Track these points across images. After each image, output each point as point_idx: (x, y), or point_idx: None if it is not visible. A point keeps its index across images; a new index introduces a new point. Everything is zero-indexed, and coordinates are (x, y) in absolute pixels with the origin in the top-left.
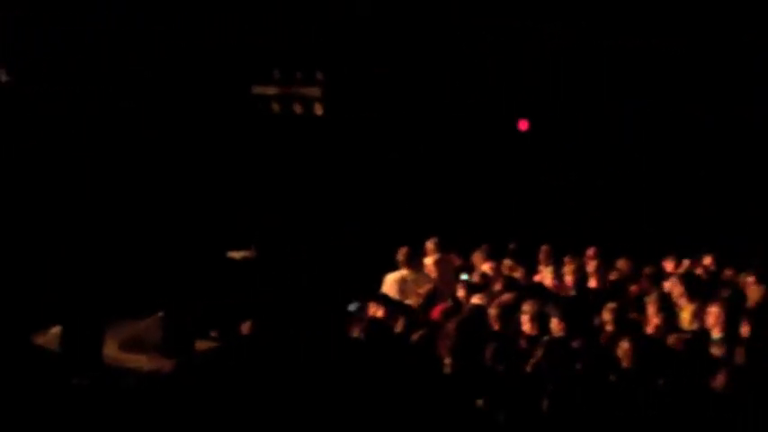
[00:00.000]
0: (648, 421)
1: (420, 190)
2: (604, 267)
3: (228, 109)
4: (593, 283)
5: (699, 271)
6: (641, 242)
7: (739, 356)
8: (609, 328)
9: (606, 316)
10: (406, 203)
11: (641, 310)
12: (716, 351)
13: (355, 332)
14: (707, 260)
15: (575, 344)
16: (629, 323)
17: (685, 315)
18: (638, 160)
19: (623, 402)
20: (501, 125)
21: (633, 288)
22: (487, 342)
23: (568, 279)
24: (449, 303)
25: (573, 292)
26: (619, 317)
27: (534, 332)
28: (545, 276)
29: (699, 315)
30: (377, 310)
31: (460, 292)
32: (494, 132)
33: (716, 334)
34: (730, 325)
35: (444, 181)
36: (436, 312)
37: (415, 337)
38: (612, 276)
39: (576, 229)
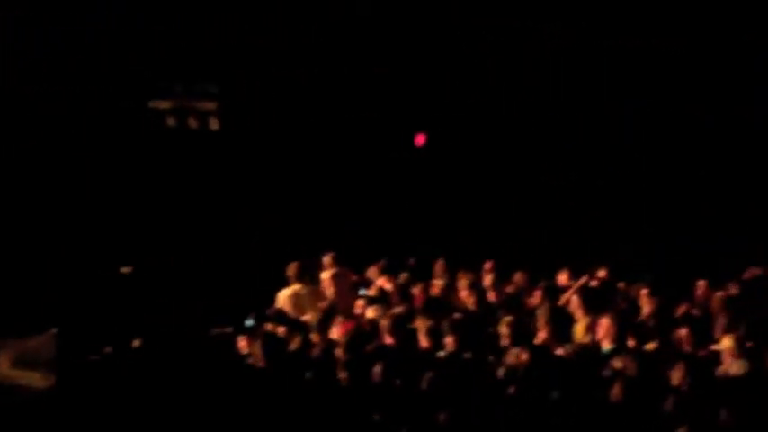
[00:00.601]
0: None
1: (316, 204)
2: (500, 281)
3: (124, 123)
4: (490, 296)
5: (594, 283)
6: (542, 254)
7: (631, 368)
8: (506, 341)
9: (503, 329)
10: (301, 217)
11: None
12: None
13: (251, 347)
14: (601, 272)
15: (468, 358)
16: (527, 336)
17: (579, 328)
18: (540, 172)
19: (519, 415)
20: (398, 139)
21: (531, 301)
22: (380, 357)
23: (464, 293)
24: (353, 321)
25: (472, 307)
26: (515, 330)
27: (429, 346)
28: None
29: (592, 327)
30: (277, 326)
31: (359, 308)
32: (390, 146)
33: (606, 346)
34: (621, 337)
35: (340, 195)
36: (342, 329)
37: (312, 353)
38: (509, 289)
39: (475, 243)
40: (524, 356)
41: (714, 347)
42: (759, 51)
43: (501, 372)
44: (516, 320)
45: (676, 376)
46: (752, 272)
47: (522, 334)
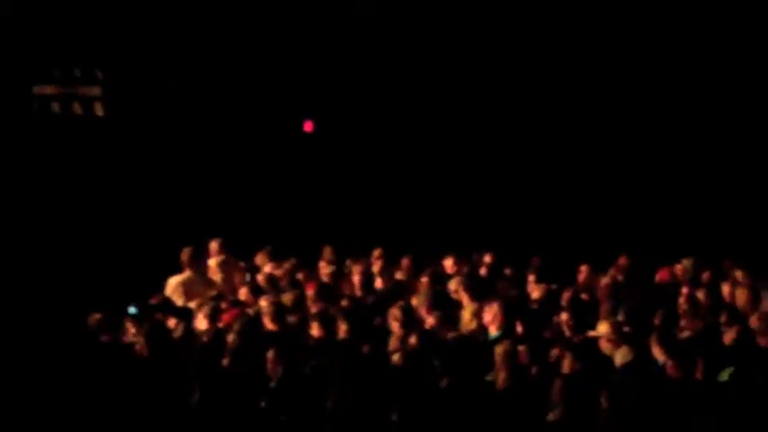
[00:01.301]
0: (432, 419)
1: (203, 191)
2: (389, 267)
3: (7, 110)
4: (378, 283)
5: (482, 270)
6: (429, 241)
7: (522, 355)
8: (396, 327)
9: (394, 315)
10: (189, 204)
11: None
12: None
13: (137, 335)
14: (487, 258)
15: (358, 344)
16: (416, 322)
17: (466, 314)
18: (424, 161)
19: (407, 401)
20: (287, 126)
21: (418, 287)
22: (270, 344)
23: (356, 279)
24: (238, 308)
25: (360, 293)
26: (406, 316)
27: (322, 334)
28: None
29: (479, 314)
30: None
31: (243, 294)
32: (279, 133)
33: (493, 332)
34: (509, 323)
35: (227, 181)
36: (227, 317)
37: (199, 340)
38: (397, 276)
39: (364, 230)
40: (413, 340)
41: (592, 333)
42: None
43: (390, 358)
44: (406, 306)
45: (564, 363)
46: (624, 260)
47: (412, 320)
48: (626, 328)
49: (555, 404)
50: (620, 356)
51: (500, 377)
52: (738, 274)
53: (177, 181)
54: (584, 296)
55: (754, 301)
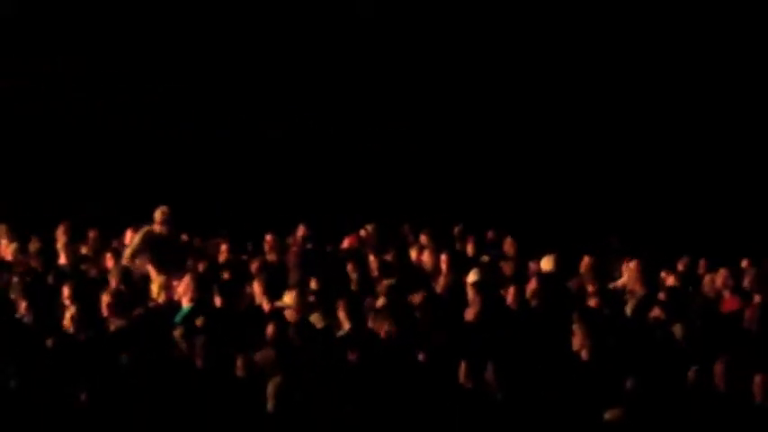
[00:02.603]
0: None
1: None
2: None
3: None
4: (62, 259)
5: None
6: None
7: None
8: (68, 303)
9: (65, 291)
10: None
11: None
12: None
13: None
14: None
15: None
16: (89, 298)
17: (155, 287)
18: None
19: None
20: None
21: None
22: None
23: (36, 256)
24: None
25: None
26: (77, 291)
27: None
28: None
29: (167, 286)
30: None
31: None
32: None
33: (186, 304)
34: (202, 295)
35: None
36: None
37: None
38: (84, 250)
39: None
40: (78, 317)
41: (279, 303)
42: None
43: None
44: (78, 282)
45: (268, 331)
46: (302, 229)
47: (85, 296)
48: (313, 298)
49: (268, 374)
50: (317, 321)
51: (197, 355)
52: (423, 238)
53: None
54: (274, 265)
55: (439, 263)
